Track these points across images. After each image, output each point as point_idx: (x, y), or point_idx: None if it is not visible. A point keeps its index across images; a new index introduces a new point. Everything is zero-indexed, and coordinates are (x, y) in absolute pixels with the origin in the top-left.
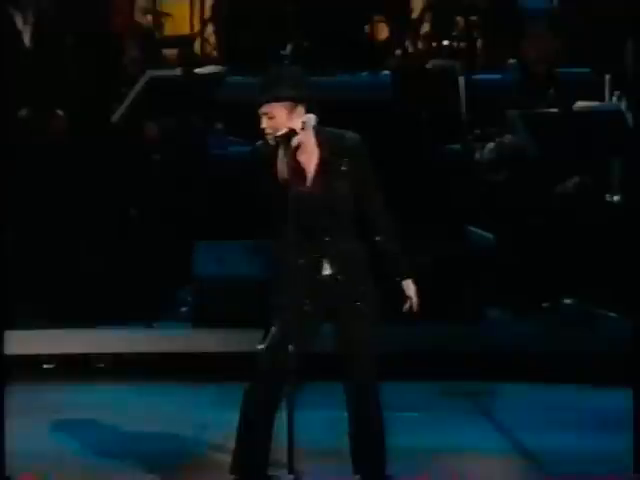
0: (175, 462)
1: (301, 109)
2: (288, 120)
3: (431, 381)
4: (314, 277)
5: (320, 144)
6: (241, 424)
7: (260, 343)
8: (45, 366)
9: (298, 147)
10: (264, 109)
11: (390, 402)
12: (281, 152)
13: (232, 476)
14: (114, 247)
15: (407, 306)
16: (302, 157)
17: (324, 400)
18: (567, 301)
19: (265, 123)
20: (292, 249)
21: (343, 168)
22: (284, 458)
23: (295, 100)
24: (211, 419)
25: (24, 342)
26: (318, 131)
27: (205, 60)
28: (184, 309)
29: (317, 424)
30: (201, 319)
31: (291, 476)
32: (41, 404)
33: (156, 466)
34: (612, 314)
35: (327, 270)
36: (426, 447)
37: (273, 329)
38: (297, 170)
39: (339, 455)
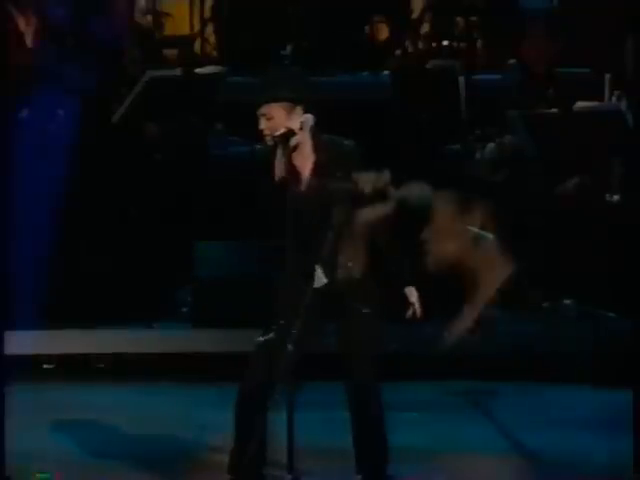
0: (175, 462)
1: (300, 110)
2: (286, 121)
3: (431, 381)
4: (311, 282)
5: (317, 148)
6: (235, 423)
7: (259, 337)
8: (45, 366)
9: (295, 148)
10: (263, 110)
11: (391, 402)
12: (279, 152)
13: (229, 476)
14: (114, 247)
15: (410, 312)
16: (299, 159)
17: (324, 400)
18: (567, 301)
19: (263, 124)
20: (290, 249)
21: (339, 173)
22: (284, 458)
23: (293, 101)
24: (211, 419)
25: (24, 342)
26: (316, 135)
27: (205, 60)
28: (184, 309)
29: (317, 424)
30: (201, 319)
31: (291, 476)
32: (41, 404)
33: (156, 466)
34: (612, 314)
35: (322, 279)
36: (426, 447)
37: (272, 329)
38: (293, 172)
39: (339, 455)
